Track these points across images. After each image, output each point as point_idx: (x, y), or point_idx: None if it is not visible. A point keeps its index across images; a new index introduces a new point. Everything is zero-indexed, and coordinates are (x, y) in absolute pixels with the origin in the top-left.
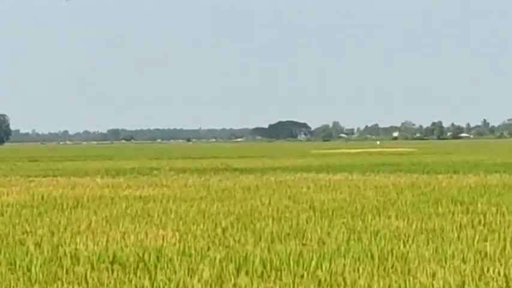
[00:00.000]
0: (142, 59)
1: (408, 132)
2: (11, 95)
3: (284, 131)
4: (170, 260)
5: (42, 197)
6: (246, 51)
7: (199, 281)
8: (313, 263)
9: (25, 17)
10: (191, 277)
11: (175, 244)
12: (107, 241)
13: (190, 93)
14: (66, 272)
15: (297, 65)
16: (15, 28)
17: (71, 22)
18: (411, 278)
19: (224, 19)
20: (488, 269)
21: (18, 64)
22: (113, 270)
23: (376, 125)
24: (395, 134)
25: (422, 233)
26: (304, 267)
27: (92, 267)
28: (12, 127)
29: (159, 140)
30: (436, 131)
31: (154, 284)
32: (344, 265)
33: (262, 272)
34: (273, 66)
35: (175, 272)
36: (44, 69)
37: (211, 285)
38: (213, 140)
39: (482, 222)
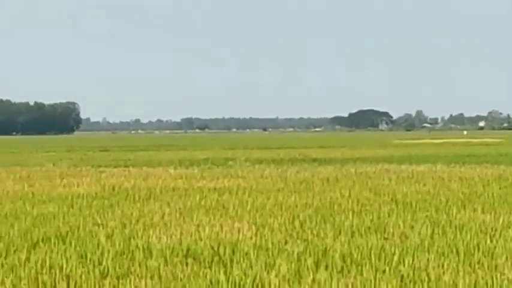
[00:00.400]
0: (217, 48)
1: (495, 122)
2: (82, 83)
3: (365, 120)
4: (246, 254)
5: (114, 188)
6: (326, 39)
7: (276, 276)
8: (395, 257)
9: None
10: (268, 272)
11: (251, 237)
12: (181, 234)
13: (266, 82)
14: (139, 266)
15: (378, 52)
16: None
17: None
18: (498, 275)
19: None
20: None
21: (90, 51)
22: (187, 264)
23: (461, 114)
24: (482, 124)
25: (510, 227)
26: (386, 262)
27: (165, 261)
28: (83, 115)
29: (234, 130)
30: None
31: (230, 279)
32: (428, 260)
33: (342, 267)
34: (354, 53)
35: (251, 266)
36: (115, 56)
37: (289, 281)
38: (291, 129)
39: None
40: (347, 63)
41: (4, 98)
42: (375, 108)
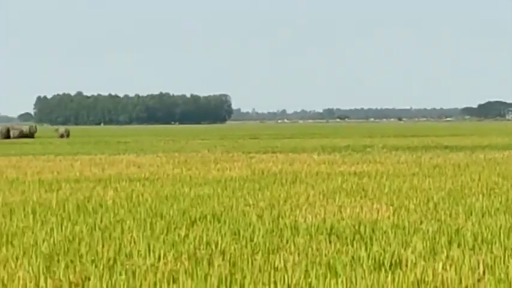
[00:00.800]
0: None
1: None
2: (232, 76)
3: (492, 110)
4: (385, 232)
5: (263, 172)
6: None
7: (412, 252)
8: None
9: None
10: (405, 249)
11: (389, 217)
12: (325, 214)
13: (401, 74)
14: (287, 242)
15: (505, 44)
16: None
17: None
18: None
19: None
20: None
21: (238, 46)
22: (330, 241)
23: None
24: None
25: None
26: None
27: (311, 238)
28: (234, 106)
29: (372, 119)
30: None
31: (370, 255)
32: None
33: (474, 245)
34: (480, 44)
35: (389, 243)
36: (260, 50)
37: (424, 257)
38: (424, 119)
39: None
40: (475, 54)
41: (164, 92)
42: (503, 100)
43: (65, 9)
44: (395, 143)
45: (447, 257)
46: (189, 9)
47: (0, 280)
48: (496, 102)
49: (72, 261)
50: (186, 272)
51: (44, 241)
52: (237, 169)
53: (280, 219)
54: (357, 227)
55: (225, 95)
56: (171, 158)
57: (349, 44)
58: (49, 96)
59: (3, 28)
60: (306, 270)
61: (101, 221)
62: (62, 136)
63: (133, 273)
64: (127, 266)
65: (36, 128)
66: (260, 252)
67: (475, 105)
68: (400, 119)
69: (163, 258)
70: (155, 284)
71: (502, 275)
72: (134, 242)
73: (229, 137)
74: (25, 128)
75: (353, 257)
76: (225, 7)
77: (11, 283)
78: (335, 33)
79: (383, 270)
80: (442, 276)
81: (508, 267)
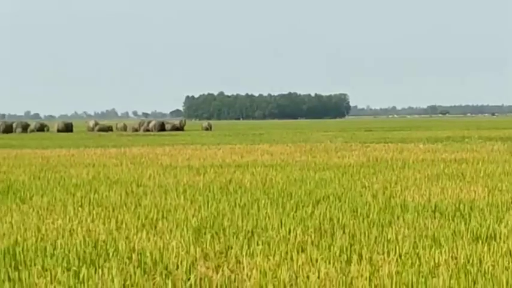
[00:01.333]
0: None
1: None
2: (351, 75)
3: None
4: (481, 210)
5: (376, 159)
6: None
7: (505, 227)
8: None
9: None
10: (499, 224)
11: (485, 197)
12: (429, 194)
13: (495, 73)
14: (397, 218)
15: None
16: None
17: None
18: None
19: None
20: None
21: (356, 53)
22: (435, 217)
23: None
24: None
25: None
26: None
27: (418, 215)
28: (352, 103)
29: (469, 114)
30: None
31: (469, 229)
32: None
33: None
34: None
35: (485, 219)
36: (374, 56)
37: None
38: None
39: None
40: None
41: (292, 91)
42: None
43: (216, 23)
44: (489, 134)
45: None
46: (317, 17)
47: (158, 248)
48: None
49: (216, 233)
50: (312, 243)
51: (193, 216)
52: (354, 156)
53: (391, 198)
54: (457, 206)
55: (344, 94)
56: (299, 147)
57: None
58: (196, 96)
59: (158, 39)
60: (414, 242)
61: (241, 200)
62: (206, 129)
63: (268, 243)
64: (263, 238)
65: (185, 122)
66: (375, 227)
67: None
68: (493, 114)
69: (293, 231)
70: (287, 252)
71: None
72: (268, 218)
73: (347, 130)
74: (176, 122)
75: (454, 231)
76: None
77: (166, 251)
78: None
79: (480, 242)
80: None
81: None
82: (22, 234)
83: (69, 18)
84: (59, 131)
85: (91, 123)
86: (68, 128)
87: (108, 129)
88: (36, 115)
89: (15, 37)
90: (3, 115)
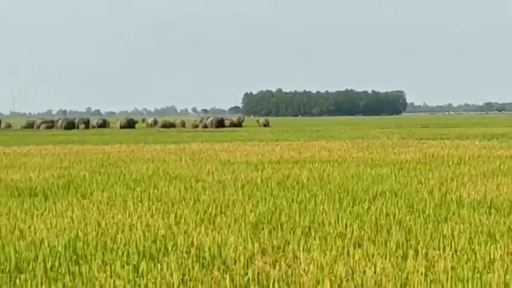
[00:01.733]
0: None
1: None
2: (408, 74)
3: None
4: None
5: (432, 156)
6: None
7: None
8: None
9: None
10: None
11: None
12: (485, 190)
13: None
14: (453, 214)
15: None
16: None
17: None
18: None
19: None
20: None
21: (414, 51)
22: (490, 213)
23: None
24: None
25: None
26: None
27: (474, 211)
28: (408, 101)
29: None
30: None
31: None
32: None
33: None
34: None
35: None
36: (429, 54)
37: None
38: None
39: None
40: None
41: (349, 88)
42: None
43: (273, 19)
44: None
45: None
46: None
47: (216, 243)
48: None
49: (274, 229)
50: (369, 239)
51: (251, 212)
52: (410, 153)
53: (447, 194)
54: None
55: (401, 91)
56: (355, 144)
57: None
58: (254, 92)
59: (218, 37)
60: (470, 238)
61: (298, 196)
62: (263, 125)
63: (325, 239)
64: (320, 233)
65: (243, 118)
66: (431, 222)
67: None
68: None
69: (350, 227)
70: (343, 247)
71: None
72: (325, 213)
73: (404, 126)
74: (235, 118)
75: (510, 227)
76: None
77: (224, 246)
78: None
79: None
80: None
81: None
82: (83, 228)
83: (136, 17)
84: (121, 127)
85: (150, 120)
86: (130, 124)
87: (171, 125)
88: (97, 111)
89: (75, 37)
90: (65, 111)
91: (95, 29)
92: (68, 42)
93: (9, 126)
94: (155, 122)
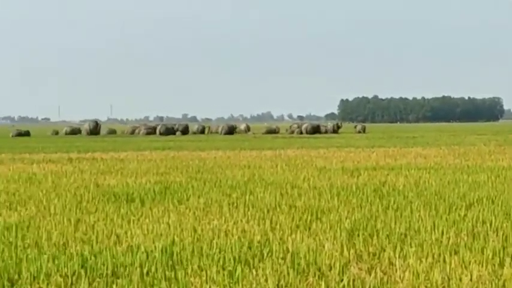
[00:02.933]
0: None
1: None
2: (504, 80)
3: None
4: None
5: None
6: None
7: None
8: None
9: None
10: None
11: None
12: None
13: None
14: None
15: None
16: None
17: None
18: None
19: None
20: None
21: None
22: None
23: None
24: None
25: None
26: None
27: None
28: (505, 107)
29: None
30: None
31: None
32: None
33: None
34: None
35: None
36: None
37: None
38: None
39: None
40: None
41: (446, 94)
42: None
43: (367, 27)
44: None
45: None
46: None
47: (311, 249)
48: None
49: (370, 235)
50: (465, 246)
51: (346, 218)
52: (508, 159)
53: None
54: None
55: (498, 98)
56: (452, 150)
57: None
58: (350, 99)
59: (310, 43)
60: None
61: (394, 202)
62: (359, 132)
63: (421, 245)
64: (415, 240)
65: (341, 124)
66: None
67: None
68: None
69: (446, 234)
70: (439, 254)
71: None
72: (421, 220)
73: (501, 133)
74: (330, 125)
75: None
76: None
77: (320, 252)
78: None
79: None
80: None
81: None
82: (179, 234)
83: (236, 27)
84: (223, 133)
85: (242, 126)
86: (230, 130)
87: (274, 131)
88: (194, 118)
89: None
90: (162, 118)
91: (192, 37)
92: (167, 50)
93: (113, 132)
94: (248, 128)
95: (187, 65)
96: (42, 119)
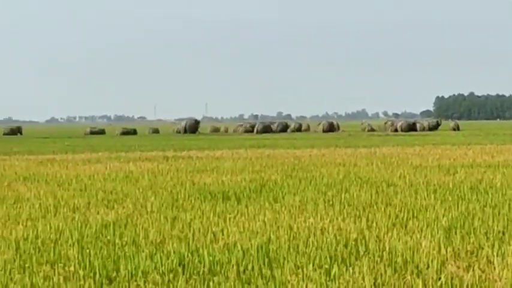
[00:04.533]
0: None
1: None
2: None
3: None
4: None
5: None
6: None
7: None
8: None
9: None
10: None
11: None
12: None
13: None
14: None
15: None
16: None
17: None
18: None
19: None
20: None
21: None
22: None
23: None
24: None
25: None
26: None
27: None
28: None
29: None
30: None
31: None
32: None
33: None
34: None
35: None
36: None
37: None
38: None
39: None
40: None
41: None
42: None
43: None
44: None
45: None
46: None
47: (408, 247)
48: None
49: (467, 233)
50: None
51: (443, 216)
52: None
53: None
54: None
55: None
56: None
57: None
58: (446, 96)
59: (416, 41)
60: None
61: (491, 200)
62: (453, 129)
63: None
64: None
65: (441, 121)
66: None
67: None
68: None
69: None
70: None
71: None
72: None
73: None
74: (426, 122)
75: None
76: None
77: (416, 250)
78: None
79: None
80: None
81: None
82: (275, 232)
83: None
84: (324, 131)
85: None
86: (331, 128)
87: (372, 129)
88: (288, 116)
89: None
90: (256, 116)
91: (285, 35)
92: (261, 48)
93: (217, 130)
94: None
95: (281, 63)
96: (138, 118)
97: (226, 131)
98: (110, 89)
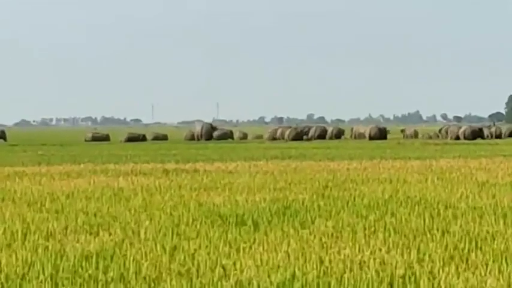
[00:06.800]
0: None
1: None
2: None
3: None
4: None
5: None
6: None
7: None
8: None
9: None
10: None
11: None
12: None
13: None
14: None
15: None
16: None
17: None
18: None
19: None
20: None
21: None
22: None
23: None
24: None
25: None
26: None
27: None
28: None
29: None
30: None
31: None
32: None
33: None
34: None
35: None
36: None
37: None
38: None
39: None
40: None
41: None
42: None
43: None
44: None
45: None
46: None
47: (470, 286)
48: None
49: None
50: None
51: None
52: None
53: None
54: None
55: None
56: None
57: None
58: None
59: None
60: None
61: None
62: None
63: None
64: None
65: None
66: None
67: None
68: None
69: None
70: None
71: None
72: None
73: None
74: (493, 128)
75: None
76: None
77: None
78: None
79: None
80: None
81: None
82: (301, 266)
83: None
84: (371, 138)
85: (362, 129)
86: (381, 134)
87: (430, 137)
88: (321, 119)
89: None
90: (281, 118)
91: (309, 30)
92: (294, 44)
93: (244, 137)
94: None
95: (309, 58)
96: (131, 120)
97: (244, 137)
98: (94, 87)
